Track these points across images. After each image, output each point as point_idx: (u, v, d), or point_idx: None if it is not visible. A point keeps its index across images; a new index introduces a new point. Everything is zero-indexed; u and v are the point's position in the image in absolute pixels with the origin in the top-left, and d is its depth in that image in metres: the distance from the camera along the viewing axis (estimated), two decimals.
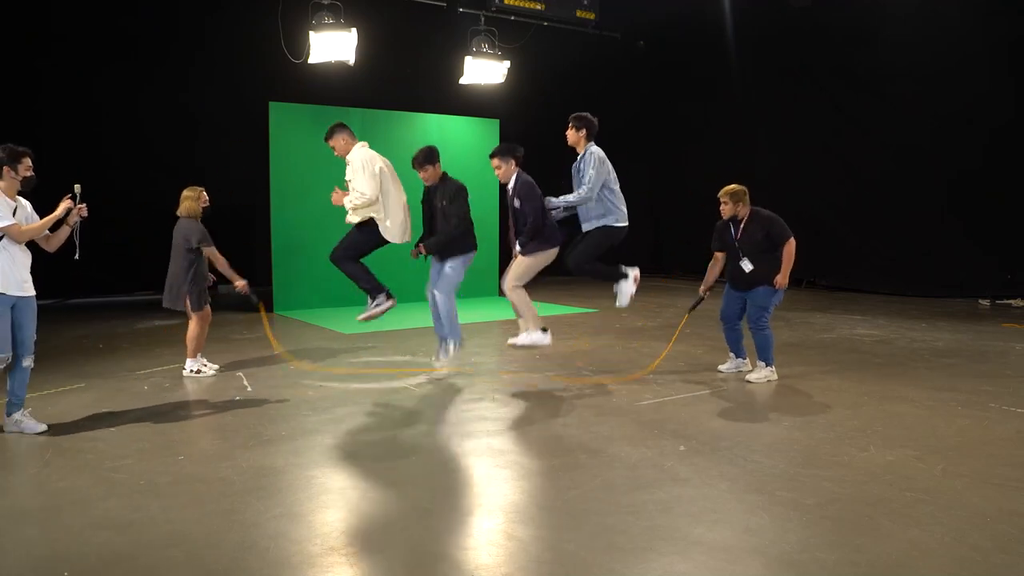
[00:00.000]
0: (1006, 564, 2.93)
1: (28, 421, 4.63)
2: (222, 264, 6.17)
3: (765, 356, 6.00)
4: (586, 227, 5.79)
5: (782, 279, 5.83)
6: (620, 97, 15.27)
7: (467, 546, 3.15)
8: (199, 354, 6.23)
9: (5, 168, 4.40)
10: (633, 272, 6.01)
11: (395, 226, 5.81)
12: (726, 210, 5.98)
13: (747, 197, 5.94)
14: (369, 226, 5.86)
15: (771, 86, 13.16)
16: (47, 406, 5.19)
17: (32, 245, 4.69)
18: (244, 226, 11.78)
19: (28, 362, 4.60)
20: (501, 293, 5.90)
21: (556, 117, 14.40)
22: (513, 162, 5.75)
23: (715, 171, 13.32)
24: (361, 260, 5.94)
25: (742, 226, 5.94)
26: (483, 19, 10.34)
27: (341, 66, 9.41)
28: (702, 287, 6.43)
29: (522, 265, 5.69)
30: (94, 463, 4.10)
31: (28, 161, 4.50)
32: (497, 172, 5.79)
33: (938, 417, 5.00)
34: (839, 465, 4.05)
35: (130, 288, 11.21)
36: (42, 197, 4.77)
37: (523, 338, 5.80)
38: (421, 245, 5.92)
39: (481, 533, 3.30)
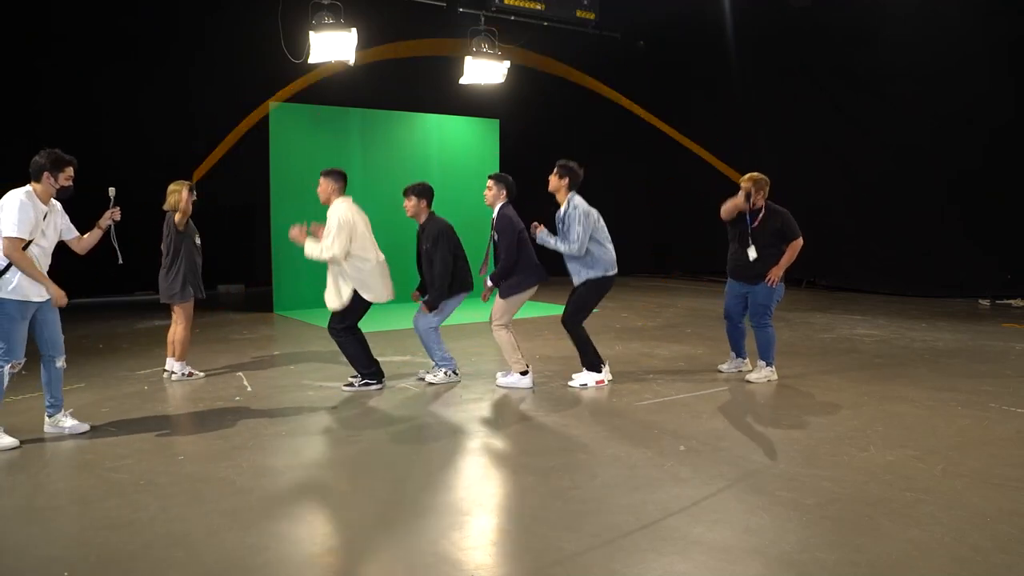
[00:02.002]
0: (1006, 564, 2.93)
1: (71, 422, 4.64)
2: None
3: (766, 355, 5.99)
4: (575, 280, 5.81)
5: (776, 272, 5.83)
6: (620, 97, 15.28)
7: (467, 546, 3.15)
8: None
9: (46, 173, 4.36)
10: (605, 374, 5.90)
11: (376, 289, 5.64)
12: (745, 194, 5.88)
13: (767, 188, 5.92)
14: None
15: (771, 86, 13.16)
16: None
17: (62, 247, 4.68)
18: (244, 226, 11.79)
19: (61, 363, 4.60)
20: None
21: (556, 117, 14.47)
22: (504, 193, 5.78)
23: (715, 171, 13.36)
24: (358, 331, 5.78)
25: (760, 216, 5.91)
26: (483, 19, 10.34)
27: (341, 66, 9.41)
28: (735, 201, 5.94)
29: (501, 306, 5.73)
30: (94, 463, 4.10)
31: (70, 171, 4.46)
32: (487, 193, 5.83)
33: (938, 417, 5.00)
34: (839, 465, 4.05)
35: (130, 288, 11.23)
36: None
37: (504, 380, 5.89)
38: (422, 303, 5.90)
39: (481, 533, 3.30)
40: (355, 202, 5.77)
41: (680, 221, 15.30)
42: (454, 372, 6.06)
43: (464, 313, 7.46)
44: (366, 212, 5.79)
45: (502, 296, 5.74)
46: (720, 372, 6.36)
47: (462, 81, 10.60)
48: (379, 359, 5.93)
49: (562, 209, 5.75)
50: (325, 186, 5.71)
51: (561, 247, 5.68)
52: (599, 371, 5.88)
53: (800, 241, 5.87)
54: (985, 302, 10.67)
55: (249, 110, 10.90)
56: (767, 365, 6.02)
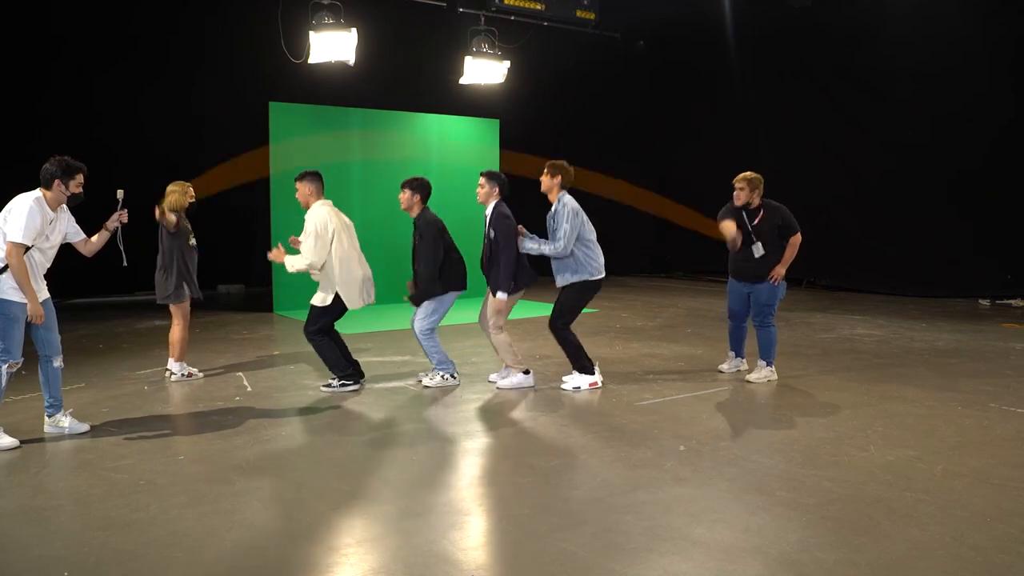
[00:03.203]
0: (1006, 564, 2.93)
1: (71, 421, 4.64)
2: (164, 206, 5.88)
3: (767, 355, 6.00)
4: (559, 281, 5.70)
5: (779, 270, 5.84)
6: (620, 97, 15.29)
7: (467, 546, 3.15)
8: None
9: (57, 181, 4.37)
10: (597, 377, 5.82)
11: (354, 293, 5.56)
12: (741, 196, 5.92)
13: (762, 186, 5.94)
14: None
15: (771, 86, 13.16)
16: None
17: (68, 248, 4.68)
18: (244, 226, 11.79)
19: (58, 362, 4.60)
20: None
21: (556, 117, 14.46)
22: (496, 189, 5.71)
23: (715, 171, 13.37)
24: (333, 333, 5.71)
25: (761, 214, 5.91)
26: (483, 19, 10.34)
27: (341, 66, 9.41)
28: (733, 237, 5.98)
29: (498, 305, 5.64)
30: (94, 463, 4.10)
31: (80, 178, 4.47)
32: (479, 191, 5.74)
33: (938, 417, 5.00)
34: (839, 465, 4.05)
35: (130, 288, 11.22)
36: None
37: (506, 381, 5.84)
38: (408, 299, 5.83)
39: (481, 533, 3.30)
40: (336, 206, 5.65)
41: (680, 221, 15.32)
42: (452, 376, 5.96)
43: (464, 313, 7.46)
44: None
45: (500, 292, 5.61)
46: (720, 372, 6.36)
47: (462, 81, 10.60)
48: (379, 359, 5.93)
49: (553, 208, 5.68)
50: (303, 190, 5.61)
51: (546, 249, 5.57)
52: (591, 373, 5.82)
53: (799, 236, 5.88)
54: (985, 302, 10.67)
55: (249, 110, 10.89)
56: (767, 365, 6.03)
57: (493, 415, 5.14)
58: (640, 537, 3.17)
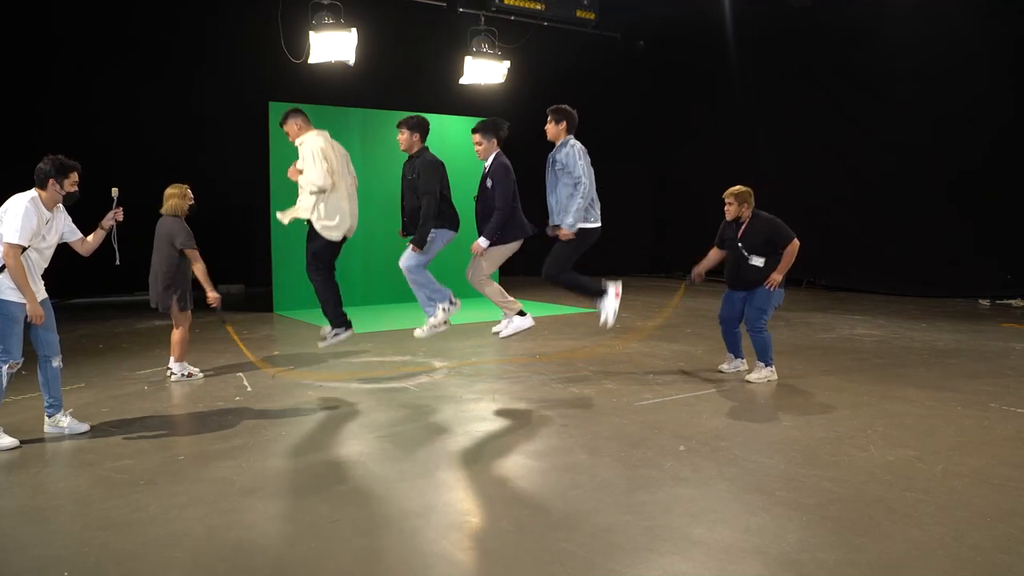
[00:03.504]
0: (1006, 564, 2.93)
1: (70, 421, 4.63)
2: (201, 270, 5.87)
3: (764, 358, 6.00)
4: (557, 220, 5.50)
5: (776, 277, 5.83)
6: (620, 97, 15.29)
7: (467, 546, 3.15)
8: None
9: (51, 180, 4.36)
10: (615, 286, 5.67)
11: (335, 223, 5.45)
12: (731, 211, 5.97)
13: (752, 199, 5.95)
14: (313, 233, 5.62)
15: (771, 86, 13.16)
16: None
17: (66, 248, 4.68)
18: (244, 226, 11.79)
19: (57, 362, 4.59)
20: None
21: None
22: (495, 141, 5.53)
23: (715, 171, 13.39)
24: (333, 278, 5.68)
25: (743, 227, 5.95)
26: (483, 19, 10.35)
27: (341, 66, 9.42)
28: (695, 270, 6.36)
29: (489, 259, 5.45)
30: (94, 463, 4.10)
31: (75, 176, 4.46)
32: (477, 148, 5.53)
33: (938, 417, 5.00)
34: (839, 465, 4.05)
35: (130, 288, 11.23)
36: None
37: (506, 328, 5.66)
38: (410, 244, 5.48)
39: (481, 533, 3.30)
40: (332, 137, 5.58)
41: (680, 221, 15.31)
42: (451, 302, 5.61)
43: (464, 313, 7.45)
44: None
45: (491, 243, 5.41)
46: (721, 372, 6.36)
47: (462, 81, 10.60)
48: (379, 359, 5.93)
49: (559, 152, 5.48)
50: (291, 126, 5.60)
51: (578, 201, 5.29)
52: (606, 292, 5.61)
53: (796, 244, 5.82)
54: (985, 302, 10.67)
55: (249, 110, 10.90)
56: (766, 366, 6.03)
57: (493, 415, 5.14)
58: (640, 537, 3.17)
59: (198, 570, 2.91)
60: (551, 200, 5.60)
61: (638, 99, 15.55)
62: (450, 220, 5.60)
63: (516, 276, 12.37)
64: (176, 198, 5.94)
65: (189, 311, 6.02)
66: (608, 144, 15.26)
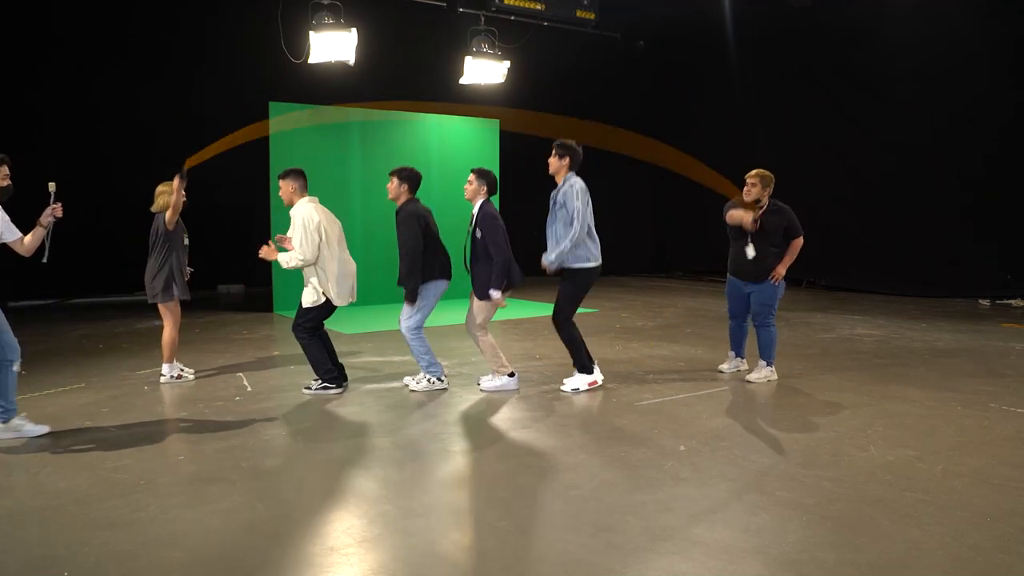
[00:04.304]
0: (1006, 564, 2.93)
1: (27, 425, 4.57)
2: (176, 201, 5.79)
3: (767, 354, 5.99)
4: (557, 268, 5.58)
5: (780, 270, 5.83)
6: (620, 97, 15.28)
7: (467, 546, 3.15)
8: (174, 359, 6.08)
9: None
10: (597, 374, 5.80)
11: (341, 290, 5.50)
12: (753, 192, 5.83)
13: (772, 184, 5.88)
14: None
15: (771, 86, 13.16)
16: (47, 406, 5.20)
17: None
18: (244, 226, 11.79)
19: (17, 366, 4.47)
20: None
21: (556, 117, 14.43)
22: (485, 187, 5.61)
23: (715, 171, 13.35)
24: (322, 333, 5.65)
25: (762, 213, 5.84)
26: (483, 19, 10.35)
27: (341, 66, 9.42)
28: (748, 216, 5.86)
29: (483, 309, 5.56)
30: (94, 463, 4.10)
31: (5, 169, 4.27)
32: (467, 187, 5.62)
33: (938, 417, 5.00)
34: (839, 465, 4.05)
35: (130, 288, 11.22)
36: (43, 198, 4.68)
37: (490, 384, 5.76)
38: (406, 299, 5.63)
39: (481, 533, 3.30)
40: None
41: (680, 221, 15.32)
42: (439, 379, 5.80)
43: (463, 314, 7.46)
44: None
45: (480, 296, 5.52)
46: (721, 372, 6.36)
47: (462, 81, 10.60)
48: (379, 359, 5.92)
49: (559, 191, 5.54)
50: (285, 188, 5.56)
51: (565, 244, 5.39)
52: (590, 372, 5.77)
53: (801, 240, 5.89)
54: (985, 302, 10.67)
55: (249, 110, 10.89)
56: (767, 365, 6.03)
57: (493, 416, 5.14)
58: (640, 537, 3.17)
59: (198, 570, 2.91)
60: (549, 234, 5.64)
61: (638, 99, 15.54)
62: (441, 269, 5.65)
63: None
64: (166, 195, 5.88)
65: (175, 303, 5.93)
66: (608, 144, 15.28)
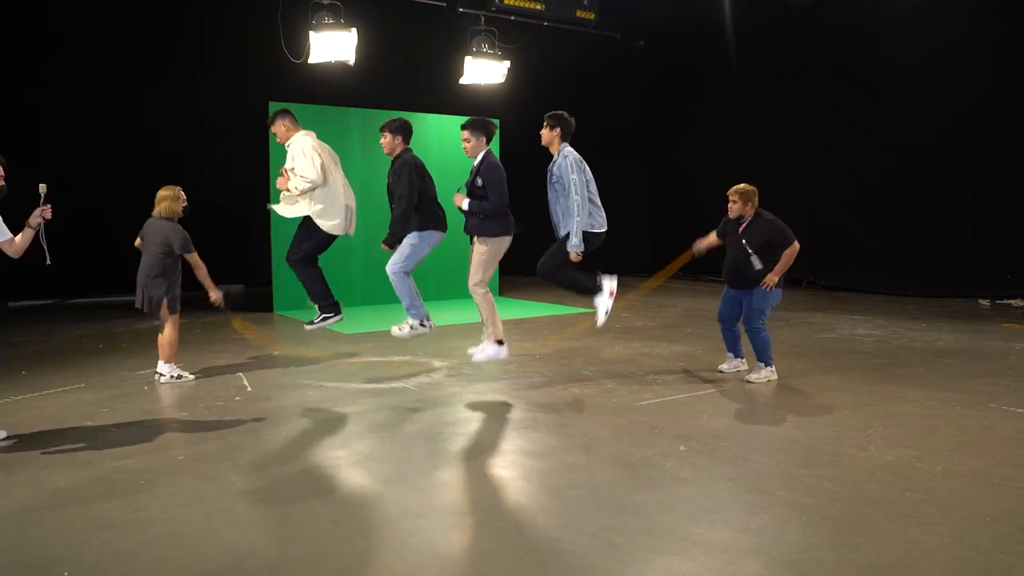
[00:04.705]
0: (1006, 564, 2.93)
1: None
2: (203, 273, 5.84)
3: (764, 358, 6.00)
4: (560, 231, 5.50)
5: (771, 278, 5.82)
6: (620, 97, 15.28)
7: (467, 546, 3.15)
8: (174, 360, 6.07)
9: None
10: (610, 284, 5.57)
11: (335, 219, 5.42)
12: (734, 208, 5.94)
13: (756, 198, 5.93)
14: (308, 224, 5.64)
15: (771, 86, 13.16)
16: (47, 406, 5.20)
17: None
18: (244, 226, 11.78)
19: None
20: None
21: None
22: (484, 139, 5.51)
23: (715, 171, 13.39)
24: (316, 265, 5.64)
25: (744, 226, 5.94)
26: (483, 19, 10.35)
27: (341, 66, 9.42)
28: (697, 245, 6.30)
29: (480, 257, 5.42)
30: (94, 463, 4.10)
31: (0, 170, 4.25)
32: (465, 146, 5.51)
33: (938, 417, 5.00)
34: (839, 465, 4.05)
35: (130, 288, 11.21)
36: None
37: (481, 352, 5.64)
38: (383, 241, 5.54)
39: (481, 533, 3.30)
40: (319, 139, 5.61)
41: (680, 221, 15.28)
42: (421, 323, 5.62)
43: (465, 314, 7.45)
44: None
45: (481, 235, 5.38)
46: (721, 372, 6.36)
47: (462, 81, 10.60)
48: (379, 359, 5.93)
49: (554, 164, 5.49)
50: (279, 128, 5.61)
51: (576, 219, 5.27)
52: (601, 289, 5.53)
53: (796, 246, 5.83)
54: (985, 302, 10.67)
55: (249, 110, 10.90)
56: (766, 366, 6.03)
57: (493, 415, 5.14)
58: (640, 537, 3.17)
59: (198, 570, 2.91)
60: (553, 210, 5.59)
61: (638, 99, 15.54)
62: (436, 221, 5.56)
63: (515, 276, 12.37)
64: (169, 200, 5.82)
65: (178, 313, 5.95)
66: (608, 144, 15.28)
